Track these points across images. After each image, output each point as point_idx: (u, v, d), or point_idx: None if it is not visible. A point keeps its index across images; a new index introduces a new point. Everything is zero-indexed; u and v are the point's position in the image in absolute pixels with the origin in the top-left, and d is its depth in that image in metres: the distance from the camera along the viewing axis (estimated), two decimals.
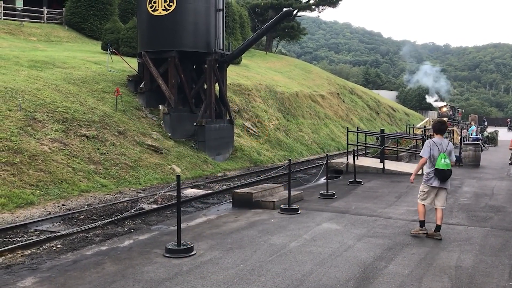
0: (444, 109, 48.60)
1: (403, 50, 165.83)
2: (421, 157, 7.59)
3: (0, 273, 6.05)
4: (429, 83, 78.45)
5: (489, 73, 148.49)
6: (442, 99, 68.90)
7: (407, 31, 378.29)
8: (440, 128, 7.70)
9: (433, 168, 7.42)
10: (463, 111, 71.19)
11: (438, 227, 7.51)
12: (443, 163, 7.33)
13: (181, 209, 7.62)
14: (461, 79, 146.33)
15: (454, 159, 7.63)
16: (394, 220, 8.80)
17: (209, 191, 13.10)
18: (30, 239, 7.83)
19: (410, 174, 15.32)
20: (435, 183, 7.47)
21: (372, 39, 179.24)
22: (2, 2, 29.46)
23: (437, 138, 7.61)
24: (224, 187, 13.70)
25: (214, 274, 5.79)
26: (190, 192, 13.11)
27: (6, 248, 7.21)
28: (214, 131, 19.08)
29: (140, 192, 12.86)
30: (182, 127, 18.76)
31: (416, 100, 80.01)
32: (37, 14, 31.38)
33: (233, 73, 27.78)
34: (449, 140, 29.35)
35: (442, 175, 7.37)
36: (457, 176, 15.31)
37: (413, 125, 39.12)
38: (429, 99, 72.12)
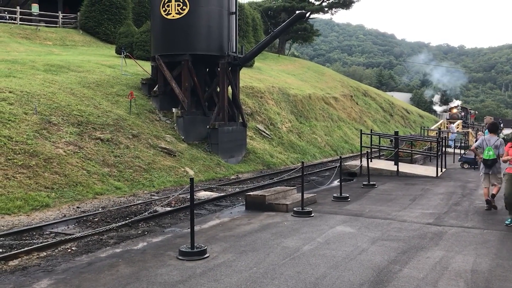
0: (455, 110, 47.76)
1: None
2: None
3: (16, 275, 6.13)
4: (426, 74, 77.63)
5: (505, 74, 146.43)
6: (438, 91, 68.20)
7: (421, 32, 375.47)
8: (491, 128, 10.05)
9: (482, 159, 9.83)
10: (477, 112, 70.10)
11: (492, 195, 9.86)
12: (486, 154, 9.60)
13: (195, 211, 7.63)
14: (476, 80, 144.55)
15: (501, 151, 9.38)
16: (408, 223, 8.72)
17: (222, 194, 13.13)
18: (45, 241, 7.90)
19: (425, 176, 15.41)
20: (483, 170, 9.79)
21: (385, 41, 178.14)
22: (18, 7, 29.93)
23: (488, 136, 9.83)
24: (237, 189, 13.70)
25: (227, 277, 5.79)
26: (203, 194, 13.14)
27: (22, 250, 7.31)
28: (227, 134, 19.12)
29: (153, 195, 12.93)
30: (195, 130, 18.84)
31: (430, 102, 79.23)
32: (52, 19, 31.80)
33: (246, 76, 27.82)
34: (465, 142, 28.99)
35: (485, 163, 9.70)
36: (472, 178, 15.12)
37: (428, 127, 38.72)
38: (427, 91, 71.36)
